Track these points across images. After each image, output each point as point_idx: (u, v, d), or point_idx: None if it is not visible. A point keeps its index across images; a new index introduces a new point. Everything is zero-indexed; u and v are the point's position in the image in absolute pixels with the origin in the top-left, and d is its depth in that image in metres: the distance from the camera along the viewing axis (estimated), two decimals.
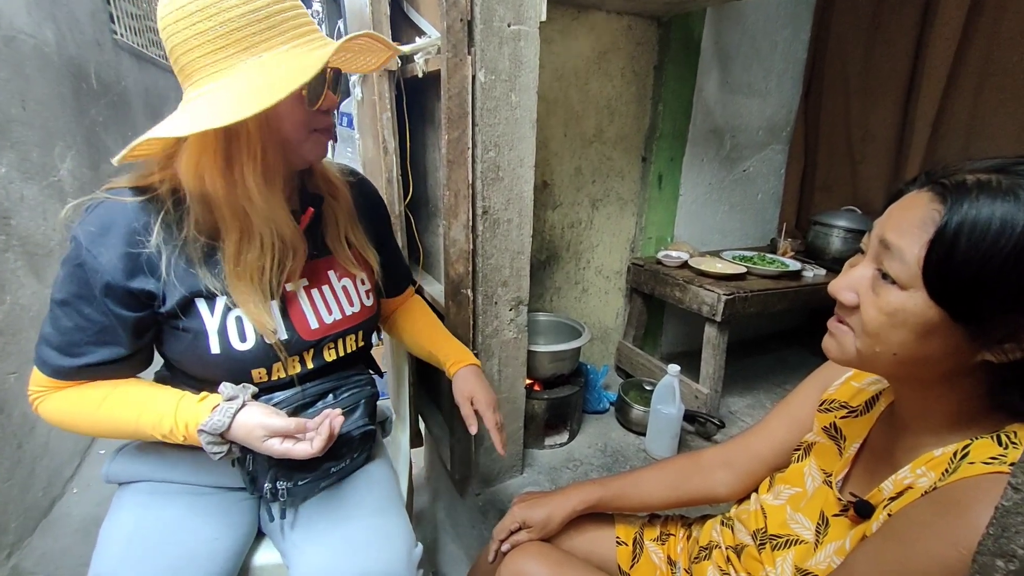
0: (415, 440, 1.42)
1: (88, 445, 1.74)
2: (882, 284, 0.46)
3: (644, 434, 1.42)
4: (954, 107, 1.46)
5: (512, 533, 0.81)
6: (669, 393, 1.29)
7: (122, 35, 2.50)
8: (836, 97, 1.79)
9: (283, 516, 0.77)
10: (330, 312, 0.76)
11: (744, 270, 1.50)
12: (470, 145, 0.95)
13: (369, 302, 0.82)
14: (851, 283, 0.49)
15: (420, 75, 1.02)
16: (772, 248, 1.85)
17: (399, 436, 1.12)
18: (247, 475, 0.73)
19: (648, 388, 1.52)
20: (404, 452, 1.08)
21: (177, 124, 0.55)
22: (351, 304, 0.79)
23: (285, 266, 0.70)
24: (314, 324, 0.75)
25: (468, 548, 1.32)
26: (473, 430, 0.83)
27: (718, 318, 1.38)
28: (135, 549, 0.68)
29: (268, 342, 0.69)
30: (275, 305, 0.70)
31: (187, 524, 0.73)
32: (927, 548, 0.43)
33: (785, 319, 2.24)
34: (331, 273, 0.78)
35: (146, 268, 0.63)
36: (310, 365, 0.76)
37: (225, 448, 0.65)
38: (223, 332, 0.67)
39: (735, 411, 1.62)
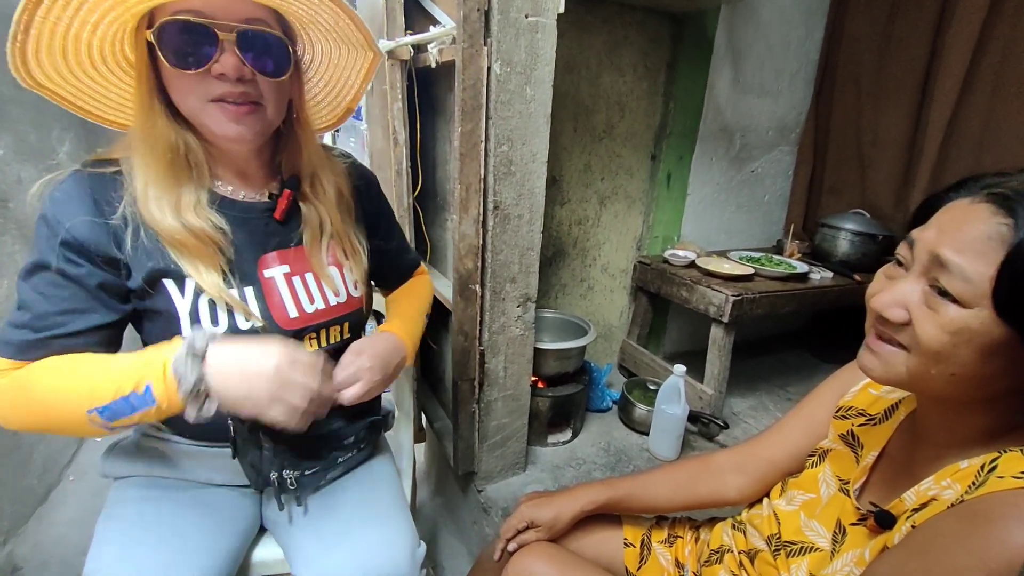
0: (417, 435, 1.41)
1: None
2: (939, 301, 0.44)
3: (647, 434, 1.41)
4: (968, 112, 1.45)
5: (519, 532, 0.80)
6: (674, 393, 1.29)
7: None
8: (848, 99, 1.77)
9: (298, 504, 0.75)
10: (312, 301, 0.72)
11: (752, 271, 1.49)
12: (483, 138, 0.93)
13: (357, 293, 0.78)
14: (899, 299, 0.47)
15: (433, 65, 0.99)
16: (778, 250, 1.84)
17: (402, 432, 1.10)
18: (249, 466, 0.72)
19: (652, 388, 1.51)
20: (408, 449, 1.07)
21: None
22: (336, 294, 0.75)
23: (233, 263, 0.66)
24: (293, 313, 0.70)
25: (469, 544, 1.32)
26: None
27: (725, 319, 1.37)
28: (132, 545, 0.67)
29: (241, 328, 0.66)
30: (250, 291, 0.67)
31: (186, 520, 0.72)
32: (953, 562, 0.42)
33: (788, 321, 2.24)
34: (315, 261, 0.74)
35: (112, 238, 0.60)
36: None
37: (200, 403, 0.55)
38: (195, 315, 0.64)
39: (737, 412, 1.62)
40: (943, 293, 0.44)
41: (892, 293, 0.48)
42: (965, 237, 0.43)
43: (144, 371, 0.55)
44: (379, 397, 0.87)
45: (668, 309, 1.85)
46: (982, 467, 0.46)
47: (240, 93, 0.59)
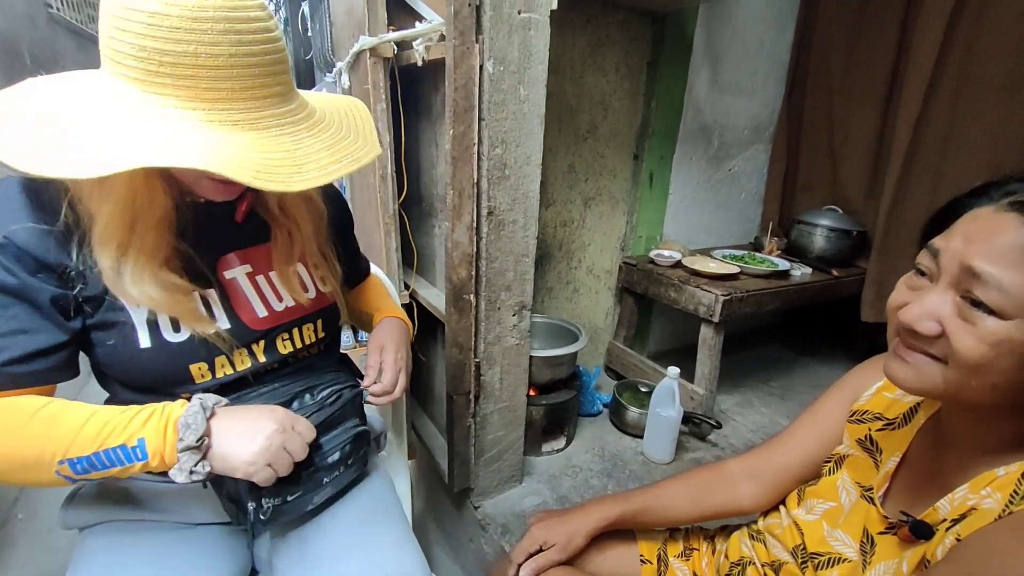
0: (407, 451, 1.35)
1: None
2: (975, 313, 0.43)
3: (641, 436, 1.40)
4: (934, 112, 1.50)
5: (531, 555, 0.76)
6: (669, 396, 1.28)
7: (58, 9, 2.26)
8: (818, 98, 1.82)
9: (283, 536, 0.68)
10: (280, 299, 0.68)
11: (737, 270, 1.50)
12: (476, 141, 0.88)
13: (326, 288, 0.74)
14: (930, 311, 0.45)
15: (419, 63, 0.94)
16: (756, 246, 1.87)
17: (396, 454, 1.05)
18: (227, 499, 0.64)
19: (643, 389, 1.50)
20: (404, 472, 1.01)
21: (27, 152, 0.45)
22: (305, 290, 0.71)
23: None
24: (262, 312, 0.66)
25: (465, 562, 1.27)
26: (367, 381, 0.76)
27: (715, 319, 1.37)
28: None
29: (207, 332, 0.60)
30: (212, 294, 0.63)
31: (167, 566, 0.64)
32: None
33: (765, 316, 2.29)
34: (282, 256, 0.69)
35: (57, 244, 0.53)
36: (262, 359, 0.67)
37: (199, 456, 0.54)
38: (152, 322, 0.58)
39: (725, 410, 1.63)
40: (977, 304, 0.43)
41: (922, 306, 0.46)
42: (997, 248, 0.42)
43: (137, 425, 0.52)
44: (362, 405, 0.80)
45: (652, 309, 1.86)
46: (1023, 475, 0.46)
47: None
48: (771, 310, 1.54)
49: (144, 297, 0.55)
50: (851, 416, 0.68)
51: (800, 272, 1.60)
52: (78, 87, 0.50)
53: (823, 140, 1.84)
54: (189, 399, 0.56)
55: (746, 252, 1.73)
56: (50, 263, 0.53)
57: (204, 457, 0.54)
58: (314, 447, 0.65)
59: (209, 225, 0.62)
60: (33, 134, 0.46)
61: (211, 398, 0.57)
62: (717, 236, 1.97)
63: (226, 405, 0.58)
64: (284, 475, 0.60)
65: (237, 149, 0.46)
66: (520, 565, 0.76)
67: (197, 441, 0.52)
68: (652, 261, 1.59)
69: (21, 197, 0.53)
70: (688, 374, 1.51)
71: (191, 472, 0.53)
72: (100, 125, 0.46)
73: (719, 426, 1.40)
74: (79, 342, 0.57)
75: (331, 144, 0.54)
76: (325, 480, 0.70)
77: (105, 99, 0.47)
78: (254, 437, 0.56)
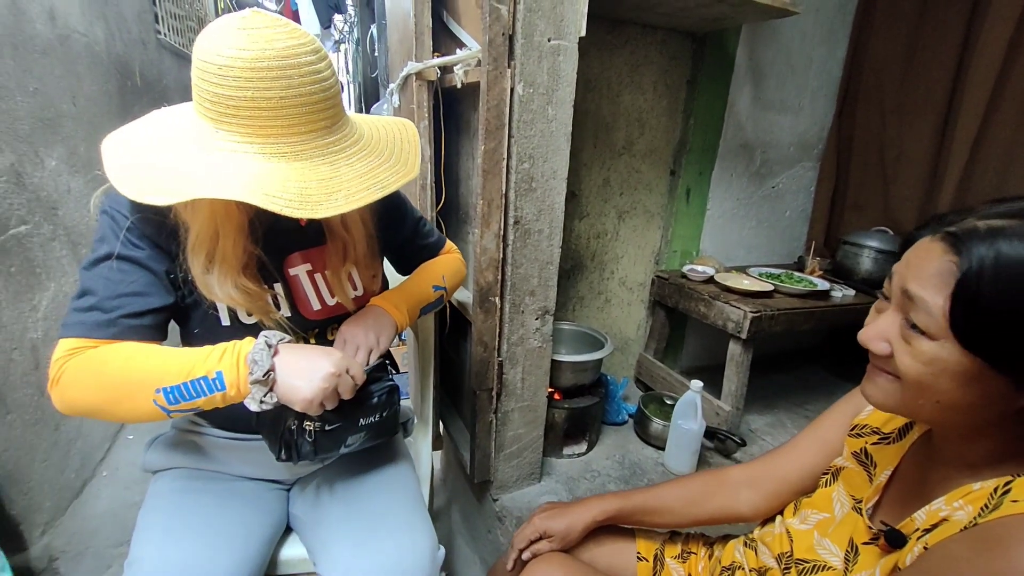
0: (434, 442, 1.44)
1: (118, 430, 1.80)
2: (912, 334, 0.46)
3: (663, 448, 1.41)
4: (994, 130, 1.43)
5: (532, 543, 0.81)
6: (691, 409, 1.29)
7: (165, 34, 2.58)
8: (870, 116, 1.77)
9: (313, 455, 0.72)
10: (333, 295, 0.79)
11: (771, 288, 1.49)
12: (505, 156, 0.96)
13: (375, 287, 0.85)
14: (880, 332, 0.49)
15: (459, 85, 1.04)
16: (799, 266, 1.83)
17: (421, 440, 1.13)
18: (270, 431, 0.71)
19: (668, 402, 1.51)
20: (426, 456, 1.09)
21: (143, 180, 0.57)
22: (355, 288, 0.82)
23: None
24: (316, 306, 0.78)
25: (483, 552, 1.33)
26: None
27: (743, 335, 1.37)
28: (173, 535, 0.71)
29: (272, 318, 0.71)
30: (279, 287, 0.75)
31: (223, 509, 0.76)
32: None
33: (806, 337, 2.21)
34: (335, 258, 0.79)
35: (169, 235, 0.65)
36: (312, 343, 0.79)
37: (267, 388, 0.61)
38: (232, 308, 0.71)
39: (755, 429, 1.60)
40: (914, 326, 0.46)
41: (875, 327, 0.51)
42: (925, 273, 0.45)
43: (215, 360, 0.61)
44: (384, 364, 0.88)
45: (686, 323, 1.85)
46: (995, 490, 0.47)
47: None
48: (811, 332, 1.52)
49: (226, 298, 0.67)
50: (851, 430, 0.69)
51: (841, 294, 1.55)
52: (176, 120, 0.62)
53: (874, 159, 1.78)
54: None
55: (784, 271, 1.69)
56: (162, 246, 0.66)
57: (271, 389, 0.62)
58: (360, 390, 0.72)
59: (278, 230, 0.73)
60: (135, 160, 0.59)
61: (275, 335, 0.64)
62: (758, 254, 1.94)
63: (288, 342, 0.65)
64: (331, 408, 0.66)
65: (277, 178, 0.56)
66: (521, 550, 0.82)
67: (264, 376, 0.60)
68: (684, 275, 1.61)
69: None
70: (719, 390, 1.51)
71: (261, 402, 0.61)
72: (178, 157, 0.58)
73: (744, 443, 1.39)
74: (176, 311, 0.70)
75: (365, 171, 0.62)
76: (362, 422, 0.76)
77: (188, 134, 0.59)
78: (312, 378, 0.62)
